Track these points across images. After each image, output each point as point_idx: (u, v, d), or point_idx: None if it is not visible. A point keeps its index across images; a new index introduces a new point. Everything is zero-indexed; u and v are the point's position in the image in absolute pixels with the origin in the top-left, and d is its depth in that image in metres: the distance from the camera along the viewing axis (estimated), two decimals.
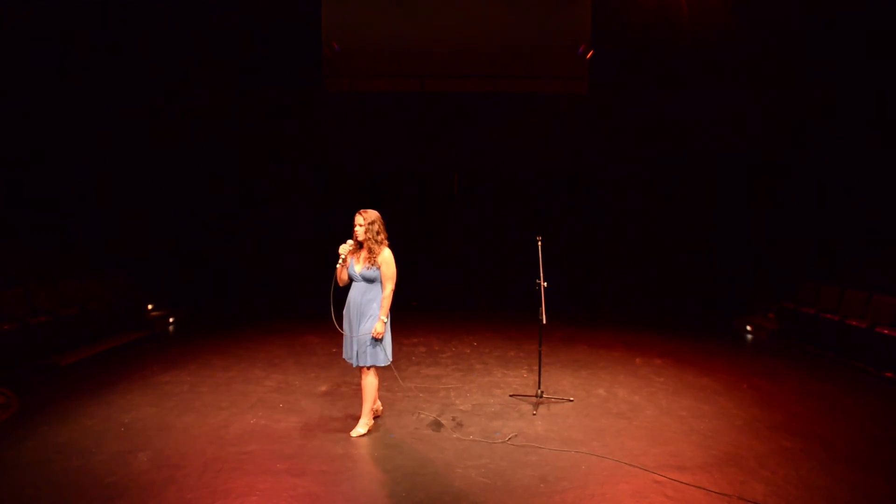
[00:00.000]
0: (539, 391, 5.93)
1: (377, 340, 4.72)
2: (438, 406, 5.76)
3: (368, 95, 11.40)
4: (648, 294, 11.47)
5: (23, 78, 9.21)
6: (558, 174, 12.01)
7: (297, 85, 11.29)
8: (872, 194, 9.69)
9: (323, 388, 6.29)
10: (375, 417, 5.19)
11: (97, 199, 10.48)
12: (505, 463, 4.42)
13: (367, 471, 4.30)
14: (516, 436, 4.96)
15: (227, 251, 11.36)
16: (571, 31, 11.48)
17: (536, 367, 6.04)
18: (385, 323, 4.73)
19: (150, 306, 9.90)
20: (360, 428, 4.93)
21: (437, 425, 5.22)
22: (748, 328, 9.97)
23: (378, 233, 4.75)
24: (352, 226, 4.76)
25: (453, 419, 5.38)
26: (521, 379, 6.77)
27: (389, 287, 4.76)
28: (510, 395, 6.12)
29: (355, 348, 4.76)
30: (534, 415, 5.51)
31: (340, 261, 4.77)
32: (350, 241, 4.77)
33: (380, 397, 5.41)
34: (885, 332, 7.29)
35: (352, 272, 4.80)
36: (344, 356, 4.95)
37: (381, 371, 5.00)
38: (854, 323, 7.83)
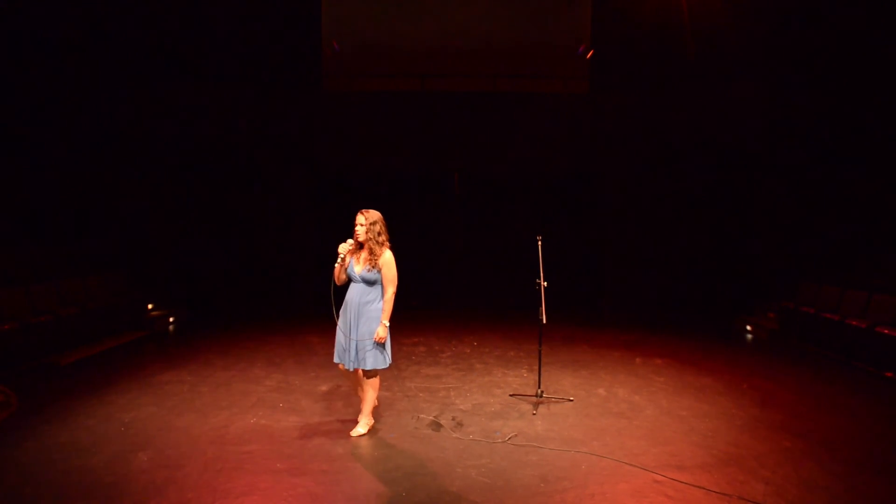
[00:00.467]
0: (539, 391, 5.93)
1: (379, 343, 4.65)
2: (438, 406, 5.76)
3: (368, 95, 11.40)
4: (648, 294, 11.47)
5: (22, 78, 9.23)
6: (558, 174, 12.00)
7: (296, 85, 11.30)
8: (872, 194, 9.69)
9: (323, 388, 6.29)
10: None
11: (97, 199, 10.49)
12: (505, 463, 4.42)
13: (367, 471, 4.30)
14: (516, 435, 4.96)
15: (226, 251, 11.35)
16: (572, 31, 11.51)
17: (536, 367, 6.05)
18: (387, 327, 4.66)
19: (150, 306, 9.90)
20: (361, 428, 4.92)
21: (436, 425, 5.22)
22: (748, 328, 9.97)
23: (379, 233, 4.64)
24: (352, 225, 4.67)
25: (453, 419, 5.38)
26: (521, 379, 6.77)
27: (391, 290, 4.66)
28: (510, 395, 6.12)
29: (354, 350, 4.66)
30: (534, 414, 5.51)
31: (339, 260, 4.67)
32: (350, 241, 4.67)
33: (379, 397, 5.40)
34: (885, 331, 7.29)
35: (351, 273, 4.70)
36: (336, 360, 4.77)
37: (380, 370, 4.97)
38: (854, 323, 7.83)
